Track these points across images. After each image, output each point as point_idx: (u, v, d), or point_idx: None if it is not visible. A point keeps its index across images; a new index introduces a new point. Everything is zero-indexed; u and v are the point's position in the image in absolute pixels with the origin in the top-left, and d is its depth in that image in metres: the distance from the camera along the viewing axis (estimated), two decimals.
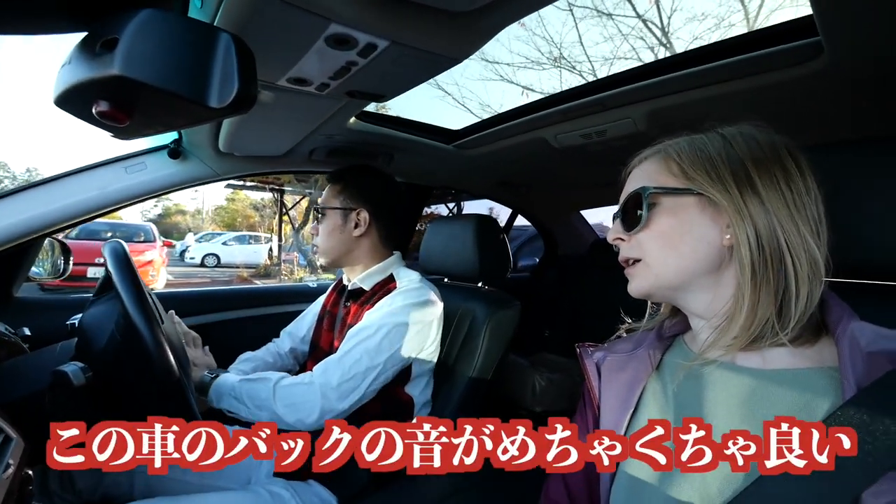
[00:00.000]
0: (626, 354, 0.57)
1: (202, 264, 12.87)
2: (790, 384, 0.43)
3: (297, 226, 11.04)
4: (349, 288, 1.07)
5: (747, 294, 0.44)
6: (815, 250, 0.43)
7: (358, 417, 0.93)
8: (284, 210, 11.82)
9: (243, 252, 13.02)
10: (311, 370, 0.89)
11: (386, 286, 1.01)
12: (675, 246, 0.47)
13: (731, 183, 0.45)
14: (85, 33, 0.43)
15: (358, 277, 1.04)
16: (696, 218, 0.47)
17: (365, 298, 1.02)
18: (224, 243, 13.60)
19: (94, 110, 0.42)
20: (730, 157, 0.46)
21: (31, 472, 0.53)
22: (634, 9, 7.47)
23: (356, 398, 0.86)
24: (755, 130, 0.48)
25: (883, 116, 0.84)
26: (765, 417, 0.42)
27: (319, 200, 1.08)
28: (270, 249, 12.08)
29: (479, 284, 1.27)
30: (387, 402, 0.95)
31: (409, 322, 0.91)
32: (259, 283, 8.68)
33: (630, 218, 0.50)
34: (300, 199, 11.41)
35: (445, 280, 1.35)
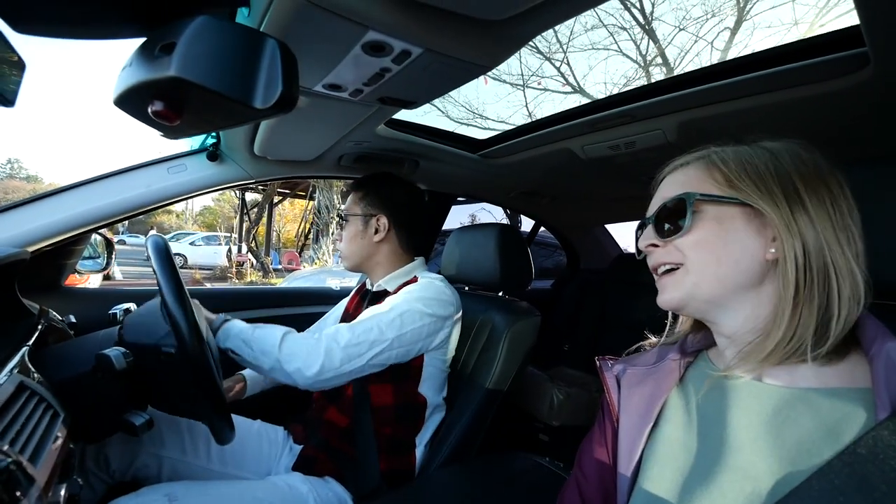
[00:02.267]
0: (646, 368, 0.56)
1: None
2: (820, 403, 0.41)
3: (249, 226, 10.71)
4: (373, 290, 1.09)
5: (787, 312, 0.43)
6: (857, 272, 0.42)
7: (375, 417, 0.94)
8: (245, 210, 11.49)
9: (210, 253, 12.74)
10: None
11: (408, 284, 1.03)
12: (717, 256, 0.45)
13: (781, 197, 0.44)
14: (144, 39, 0.47)
15: (383, 280, 1.07)
16: (740, 228, 0.45)
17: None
18: (192, 243, 13.36)
19: (149, 110, 0.45)
20: (778, 171, 0.45)
21: (73, 447, 0.56)
22: None
23: (358, 365, 0.86)
24: (799, 148, 0.46)
25: None
26: (791, 437, 0.41)
27: (342, 207, 1.11)
28: (229, 251, 11.75)
29: (500, 294, 1.26)
30: (400, 403, 0.96)
31: (423, 310, 0.93)
32: (208, 286, 8.43)
33: (667, 224, 0.49)
34: (262, 201, 11.08)
35: (466, 288, 1.36)
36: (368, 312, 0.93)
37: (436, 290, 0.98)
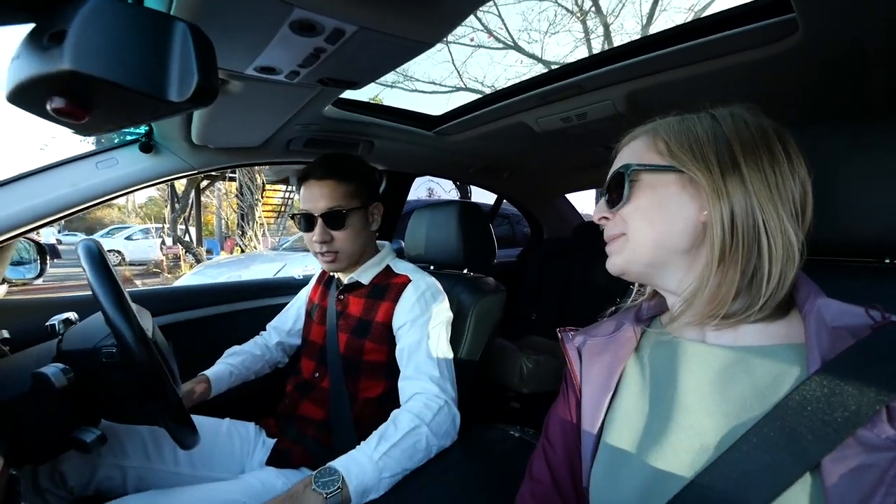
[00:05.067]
0: (605, 337, 0.58)
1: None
2: (760, 361, 0.44)
3: (175, 213, 9.70)
4: (346, 282, 1.05)
5: (713, 271, 0.45)
6: (791, 233, 0.44)
7: (357, 408, 0.95)
8: (176, 198, 10.38)
9: (145, 247, 11.65)
10: (407, 387, 0.88)
11: (389, 279, 1.02)
12: (652, 220, 0.48)
13: (714, 162, 0.45)
14: (32, 25, 0.41)
15: (355, 272, 1.03)
16: (674, 194, 0.47)
17: (366, 291, 1.02)
18: (128, 238, 12.26)
19: (48, 107, 0.40)
20: (716, 137, 0.46)
21: (15, 473, 0.53)
22: None
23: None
24: (746, 112, 0.48)
25: (856, 96, 0.85)
26: (734, 394, 0.44)
27: (320, 200, 0.95)
28: (163, 243, 10.51)
29: (465, 271, 1.27)
30: (387, 393, 0.96)
31: (449, 316, 0.99)
32: (139, 285, 7.56)
33: (613, 196, 0.51)
34: (186, 186, 10.07)
35: (431, 267, 1.36)
36: (430, 345, 0.91)
37: (441, 292, 1.01)
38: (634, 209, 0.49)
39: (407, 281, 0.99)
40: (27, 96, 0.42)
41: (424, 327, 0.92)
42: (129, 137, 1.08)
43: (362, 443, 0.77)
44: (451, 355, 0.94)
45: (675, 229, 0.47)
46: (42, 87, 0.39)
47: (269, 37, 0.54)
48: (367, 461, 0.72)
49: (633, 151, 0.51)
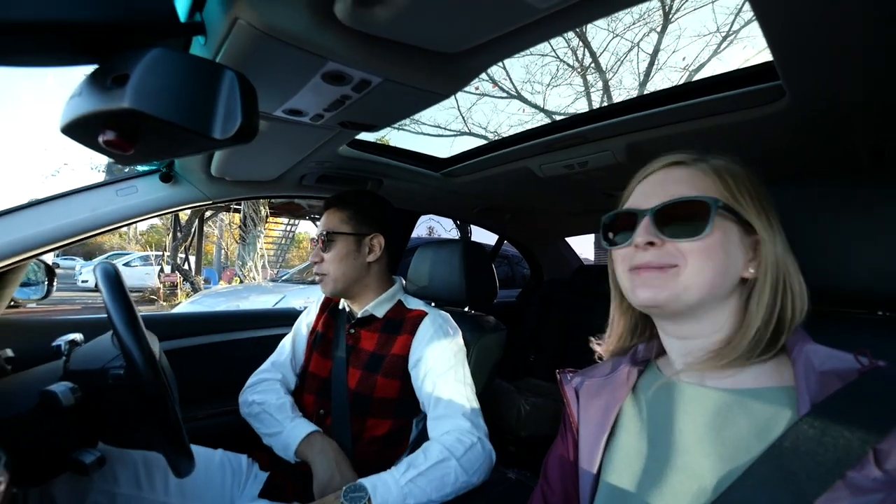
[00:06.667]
0: (602, 378, 0.59)
1: (97, 288, 11.13)
2: (753, 403, 0.45)
3: (177, 241, 9.89)
4: (359, 315, 1.05)
5: (755, 325, 0.45)
6: (804, 285, 0.47)
7: (362, 446, 0.93)
8: (179, 226, 10.55)
9: (142, 274, 11.69)
10: (438, 426, 0.88)
11: (403, 313, 1.03)
12: (715, 265, 0.45)
13: (764, 216, 0.47)
14: (95, 67, 0.46)
15: (370, 305, 1.04)
16: (736, 243, 0.47)
17: (380, 325, 1.02)
18: (127, 264, 12.34)
19: (100, 139, 0.44)
20: (757, 189, 0.48)
21: (16, 491, 0.52)
22: None
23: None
24: (739, 166, 0.50)
25: (843, 154, 0.91)
26: (729, 436, 0.45)
27: (320, 226, 1.05)
28: (161, 271, 10.63)
29: (466, 309, 1.29)
30: (394, 431, 0.96)
31: (462, 347, 1.02)
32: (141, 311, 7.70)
33: (673, 223, 0.46)
34: (190, 215, 10.26)
35: (433, 304, 1.37)
36: (456, 380, 0.92)
37: (455, 325, 1.03)
38: (704, 248, 0.45)
39: (422, 314, 1.01)
40: (82, 129, 0.46)
41: (448, 362, 0.93)
42: (142, 169, 1.13)
43: (392, 468, 0.77)
44: (474, 388, 0.95)
45: (727, 279, 0.46)
46: (98, 121, 0.44)
47: (301, 84, 0.59)
48: (394, 484, 0.74)
49: (698, 181, 0.47)
